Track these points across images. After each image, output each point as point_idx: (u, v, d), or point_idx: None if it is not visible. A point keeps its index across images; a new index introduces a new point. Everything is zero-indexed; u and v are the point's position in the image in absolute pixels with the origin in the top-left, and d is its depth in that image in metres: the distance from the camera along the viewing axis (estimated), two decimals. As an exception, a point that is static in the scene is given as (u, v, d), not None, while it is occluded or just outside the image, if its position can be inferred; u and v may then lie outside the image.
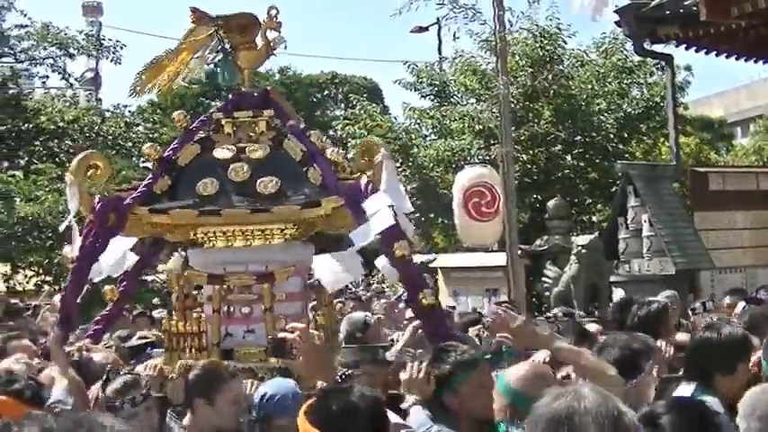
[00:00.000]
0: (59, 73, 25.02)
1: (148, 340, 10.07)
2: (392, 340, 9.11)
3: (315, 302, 8.25)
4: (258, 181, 7.12)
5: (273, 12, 7.66)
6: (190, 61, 7.90)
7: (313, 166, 7.31)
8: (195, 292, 7.58)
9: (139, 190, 7.08)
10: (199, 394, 6.02)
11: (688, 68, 27.44)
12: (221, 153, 7.36)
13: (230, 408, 6.00)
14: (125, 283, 8.56)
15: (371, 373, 6.39)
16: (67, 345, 7.24)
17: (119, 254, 7.91)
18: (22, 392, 5.81)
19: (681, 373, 6.36)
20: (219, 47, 7.77)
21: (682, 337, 8.48)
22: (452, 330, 7.85)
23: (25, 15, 23.89)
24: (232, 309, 7.25)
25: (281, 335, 5.37)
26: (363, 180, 7.17)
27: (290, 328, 5.21)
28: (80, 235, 7.37)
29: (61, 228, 7.66)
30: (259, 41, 7.80)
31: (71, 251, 7.45)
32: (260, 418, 5.83)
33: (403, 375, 5.60)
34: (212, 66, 7.90)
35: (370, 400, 4.30)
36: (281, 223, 7.40)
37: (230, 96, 8.03)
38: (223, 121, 7.59)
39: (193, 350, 7.11)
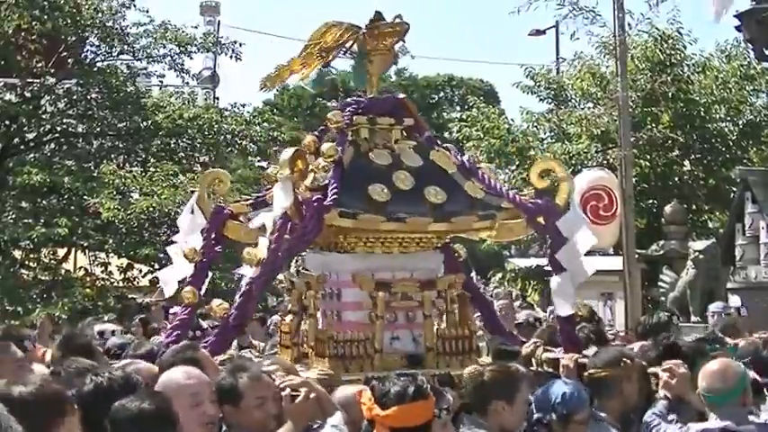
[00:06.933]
0: (177, 71, 25.29)
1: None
2: None
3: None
4: (425, 190, 7.15)
5: (398, 20, 7.70)
6: (314, 63, 7.90)
7: (471, 179, 7.45)
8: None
9: (333, 192, 6.90)
10: (499, 396, 6.09)
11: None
12: (379, 159, 7.36)
13: (524, 408, 6.20)
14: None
15: None
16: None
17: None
18: None
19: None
20: (348, 51, 7.86)
21: None
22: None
23: (147, 14, 24.32)
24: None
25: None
26: (544, 199, 7.51)
27: None
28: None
29: (261, 220, 7.38)
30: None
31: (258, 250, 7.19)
32: (562, 417, 6.28)
33: (664, 375, 6.62)
34: (322, 69, 8.01)
35: None
36: (453, 233, 7.63)
37: (348, 99, 7.98)
38: (360, 125, 7.56)
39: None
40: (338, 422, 5.64)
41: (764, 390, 7.09)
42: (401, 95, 7.95)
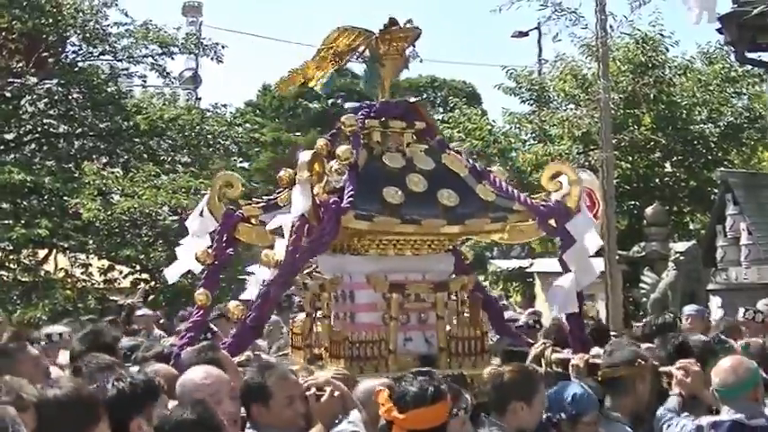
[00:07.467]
0: (158, 72, 25.26)
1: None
2: None
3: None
4: (438, 193, 7.24)
5: (410, 25, 7.82)
6: (328, 67, 8.07)
7: (483, 183, 7.55)
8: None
9: (349, 194, 6.99)
10: (518, 397, 6.19)
11: (795, 79, 27.16)
12: (393, 162, 7.45)
13: (541, 409, 6.31)
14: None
15: None
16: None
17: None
18: None
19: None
20: (361, 56, 7.97)
21: None
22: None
23: (126, 14, 24.25)
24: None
25: None
26: (553, 201, 7.60)
27: None
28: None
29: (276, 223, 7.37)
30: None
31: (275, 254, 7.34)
32: (571, 417, 6.39)
33: (678, 374, 6.80)
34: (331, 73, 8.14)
35: None
36: (466, 235, 7.87)
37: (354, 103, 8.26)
38: (373, 129, 7.64)
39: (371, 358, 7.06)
40: (355, 419, 5.73)
41: None
42: (413, 99, 8.04)
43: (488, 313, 8.40)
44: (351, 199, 6.95)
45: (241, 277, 17.47)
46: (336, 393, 5.86)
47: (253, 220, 7.92)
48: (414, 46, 7.88)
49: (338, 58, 7.87)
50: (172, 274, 8.68)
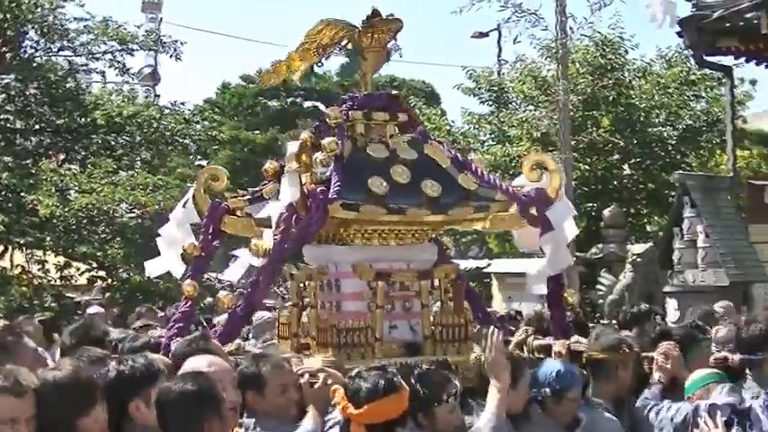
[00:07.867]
0: (117, 68, 25.08)
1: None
2: None
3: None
4: (422, 183, 7.32)
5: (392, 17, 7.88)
6: (311, 59, 8.10)
7: (465, 173, 7.63)
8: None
9: (336, 184, 7.05)
10: None
11: (753, 83, 27.45)
12: (377, 153, 7.51)
13: (526, 392, 6.43)
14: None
15: None
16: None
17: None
18: None
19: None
20: (343, 48, 8.03)
21: None
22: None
23: (83, 6, 24.11)
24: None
25: None
26: (532, 189, 7.64)
27: None
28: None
29: (266, 211, 7.45)
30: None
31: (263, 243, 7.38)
32: (555, 392, 6.49)
33: (659, 359, 7.10)
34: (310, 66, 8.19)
35: None
36: (449, 224, 7.92)
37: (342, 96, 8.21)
38: (356, 121, 7.69)
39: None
40: None
41: (746, 369, 7.57)
42: (394, 92, 8.12)
43: (470, 303, 8.51)
44: (338, 188, 7.01)
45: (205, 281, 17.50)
46: (330, 381, 5.96)
47: (238, 212, 7.96)
48: (395, 39, 7.94)
49: (321, 51, 7.92)
50: (152, 268, 8.64)
